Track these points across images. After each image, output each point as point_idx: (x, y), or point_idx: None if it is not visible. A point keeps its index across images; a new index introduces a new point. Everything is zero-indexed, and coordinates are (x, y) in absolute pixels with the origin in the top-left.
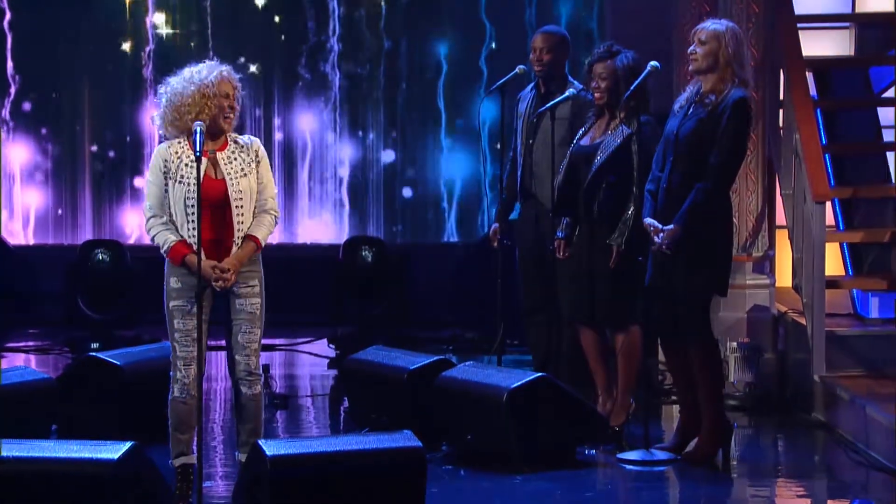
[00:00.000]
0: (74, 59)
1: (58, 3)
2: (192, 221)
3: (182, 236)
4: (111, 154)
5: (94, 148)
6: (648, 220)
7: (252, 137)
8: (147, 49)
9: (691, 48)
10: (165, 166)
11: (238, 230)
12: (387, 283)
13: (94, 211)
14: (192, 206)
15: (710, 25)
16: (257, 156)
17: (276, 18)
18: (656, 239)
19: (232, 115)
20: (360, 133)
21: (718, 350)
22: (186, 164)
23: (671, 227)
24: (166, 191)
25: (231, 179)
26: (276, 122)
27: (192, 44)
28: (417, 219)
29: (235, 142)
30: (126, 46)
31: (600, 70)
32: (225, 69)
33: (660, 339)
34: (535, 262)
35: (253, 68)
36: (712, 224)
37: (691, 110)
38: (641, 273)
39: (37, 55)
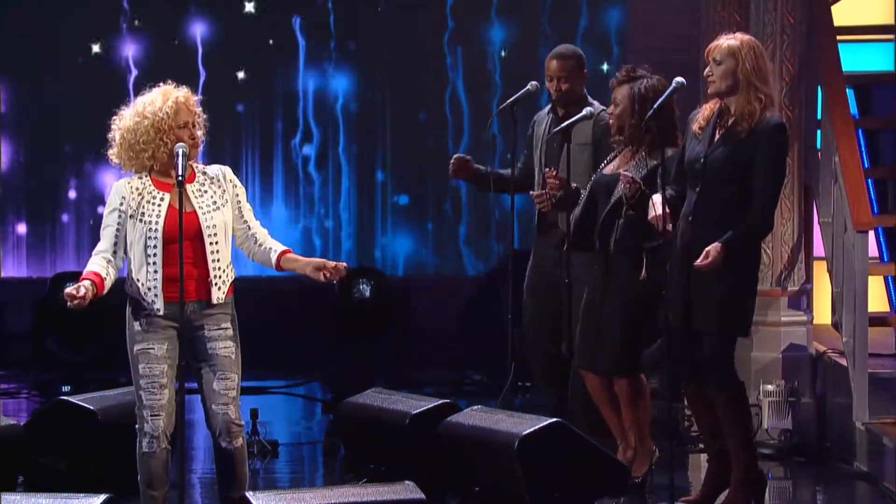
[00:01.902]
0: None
1: None
2: (154, 263)
3: (98, 271)
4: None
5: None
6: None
7: (222, 167)
8: None
9: (707, 69)
10: (122, 204)
11: (213, 266)
12: (386, 320)
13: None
14: (155, 245)
15: (724, 42)
16: (234, 186)
17: None
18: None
19: (195, 145)
20: None
21: (745, 392)
22: (148, 202)
23: (716, 245)
24: (119, 230)
25: (203, 213)
26: None
27: None
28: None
29: (204, 173)
30: None
31: (615, 94)
32: (181, 95)
33: (682, 384)
34: (547, 295)
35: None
36: (748, 260)
37: (717, 136)
38: (657, 317)
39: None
